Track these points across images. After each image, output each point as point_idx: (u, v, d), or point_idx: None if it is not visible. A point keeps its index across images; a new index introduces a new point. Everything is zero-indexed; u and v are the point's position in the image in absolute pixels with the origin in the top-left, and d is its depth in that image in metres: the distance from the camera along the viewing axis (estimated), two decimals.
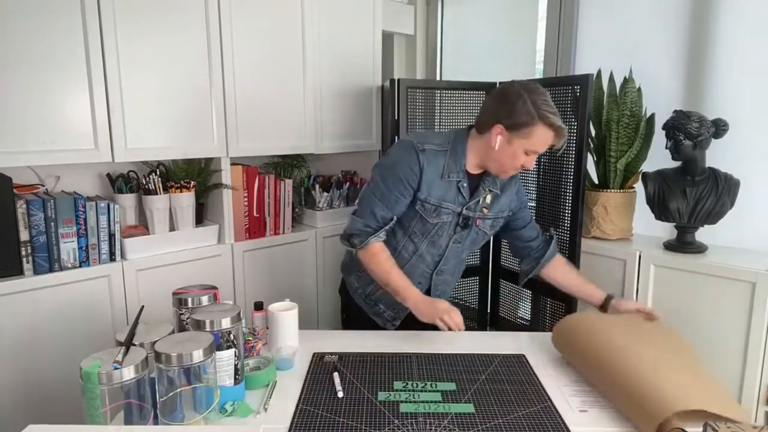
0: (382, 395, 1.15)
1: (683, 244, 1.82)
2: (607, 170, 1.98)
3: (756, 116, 1.88)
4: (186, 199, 1.97)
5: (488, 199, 1.47)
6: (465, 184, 1.43)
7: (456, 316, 1.34)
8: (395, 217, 1.43)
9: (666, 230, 2.00)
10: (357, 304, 1.61)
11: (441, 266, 1.52)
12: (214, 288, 1.25)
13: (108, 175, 1.96)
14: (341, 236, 1.49)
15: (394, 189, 1.40)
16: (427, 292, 1.53)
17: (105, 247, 1.79)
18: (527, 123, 1.32)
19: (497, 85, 2.22)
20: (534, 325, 2.24)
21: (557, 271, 1.62)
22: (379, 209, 1.41)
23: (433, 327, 1.40)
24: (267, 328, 1.39)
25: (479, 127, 1.41)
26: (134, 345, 1.01)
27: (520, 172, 1.50)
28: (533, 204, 2.17)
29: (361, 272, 1.56)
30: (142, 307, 1.15)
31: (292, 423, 1.05)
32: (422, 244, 1.48)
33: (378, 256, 1.42)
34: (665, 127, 1.79)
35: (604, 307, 1.51)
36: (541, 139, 1.34)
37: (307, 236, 2.31)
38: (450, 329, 1.35)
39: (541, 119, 1.31)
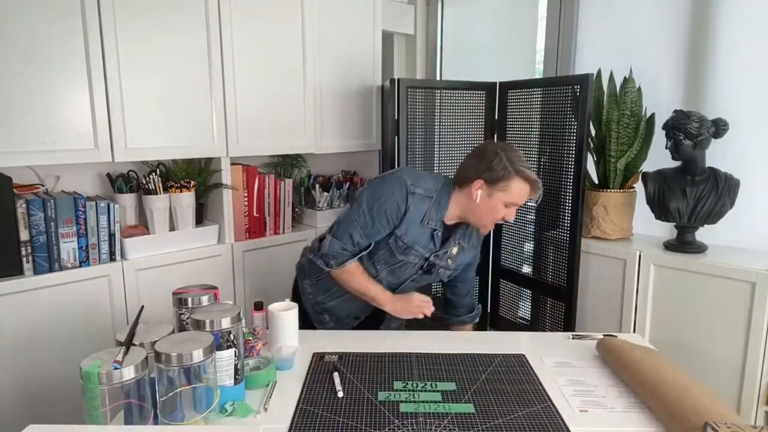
0: (382, 395, 1.16)
1: (683, 244, 1.82)
2: (607, 170, 1.98)
3: (756, 116, 1.88)
4: (186, 199, 1.97)
5: (455, 251, 1.54)
6: (439, 234, 1.49)
7: (429, 306, 1.50)
8: (371, 246, 1.48)
9: (666, 230, 2.00)
10: (304, 308, 1.62)
11: (396, 291, 1.57)
12: (214, 288, 1.25)
13: (108, 175, 1.96)
14: (312, 251, 1.53)
15: (377, 222, 1.44)
16: (375, 311, 1.60)
17: (105, 247, 1.79)
18: (504, 177, 1.41)
19: (497, 86, 2.23)
20: (534, 325, 2.24)
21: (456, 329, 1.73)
22: (358, 236, 1.45)
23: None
24: (267, 328, 1.39)
25: (460, 183, 1.48)
26: (134, 345, 1.01)
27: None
28: (533, 204, 2.17)
29: (317, 280, 1.60)
30: (142, 307, 1.15)
31: (292, 423, 1.05)
32: (383, 272, 1.53)
33: (355, 274, 1.49)
34: (665, 127, 1.79)
35: None
36: (518, 191, 1.42)
37: (307, 236, 2.31)
38: (426, 316, 1.50)
39: (517, 173, 1.41)
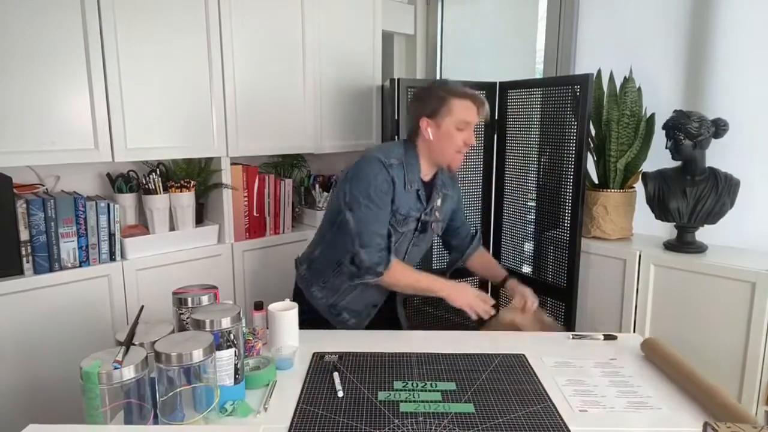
0: (382, 395, 1.15)
1: (683, 244, 1.82)
2: (607, 170, 1.98)
3: (756, 116, 1.88)
4: (186, 199, 1.97)
5: (439, 202, 1.59)
6: (422, 192, 1.54)
7: (485, 305, 1.49)
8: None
9: (666, 230, 2.00)
10: (314, 309, 1.62)
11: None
12: (214, 288, 1.25)
13: (108, 174, 1.96)
14: (355, 275, 1.50)
15: (384, 205, 1.46)
16: (389, 297, 1.65)
17: (105, 246, 1.79)
18: (442, 103, 1.47)
19: (497, 86, 2.23)
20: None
21: (476, 260, 1.82)
22: (381, 228, 1.47)
23: (425, 326, 1.45)
24: (267, 328, 1.39)
25: (413, 136, 1.54)
26: (134, 345, 1.01)
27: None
28: (533, 204, 2.17)
29: (324, 283, 1.59)
30: (142, 307, 1.15)
31: (292, 423, 1.05)
32: None
33: (404, 271, 1.51)
34: (665, 127, 1.79)
35: (503, 284, 1.74)
36: (461, 109, 1.47)
37: (308, 236, 2.31)
38: (480, 317, 1.48)
39: (453, 95, 1.47)
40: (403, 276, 1.51)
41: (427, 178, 1.56)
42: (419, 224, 1.55)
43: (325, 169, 2.63)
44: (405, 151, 1.53)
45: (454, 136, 1.48)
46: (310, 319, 1.59)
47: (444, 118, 1.48)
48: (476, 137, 2.22)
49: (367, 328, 1.63)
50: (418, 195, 1.52)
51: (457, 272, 1.91)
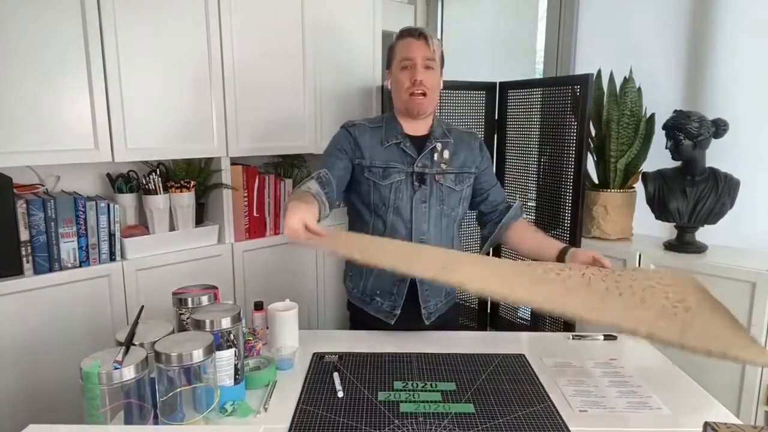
0: (382, 395, 1.15)
1: (683, 244, 1.82)
2: (607, 170, 1.98)
3: (756, 116, 1.88)
4: (186, 199, 1.97)
5: (445, 154, 1.50)
6: (408, 144, 1.49)
7: (302, 235, 1.15)
8: (329, 173, 1.43)
9: (666, 230, 2.00)
10: (358, 307, 1.59)
11: (418, 236, 1.47)
12: (214, 288, 1.25)
13: (108, 174, 1.96)
14: None
15: (327, 156, 1.49)
16: None
17: (105, 246, 1.79)
18: (391, 50, 1.50)
19: (497, 86, 2.23)
20: (534, 325, 2.24)
21: (516, 234, 1.56)
22: (319, 168, 1.45)
23: (437, 327, 1.45)
24: (267, 328, 1.39)
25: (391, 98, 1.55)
26: (134, 345, 1.01)
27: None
28: (533, 204, 2.17)
29: (351, 272, 1.58)
30: (142, 307, 1.15)
31: (292, 423, 1.05)
32: (388, 216, 1.48)
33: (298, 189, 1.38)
34: (665, 127, 1.79)
35: (561, 257, 1.42)
36: (401, 48, 1.45)
37: None
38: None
39: (396, 39, 1.48)
40: (294, 192, 1.38)
41: (415, 132, 1.51)
42: (414, 176, 1.47)
43: None
44: (385, 116, 1.55)
45: (400, 77, 1.45)
46: (357, 320, 1.60)
47: (392, 64, 1.48)
48: (476, 130, 2.17)
49: (401, 317, 1.52)
50: (401, 148, 1.48)
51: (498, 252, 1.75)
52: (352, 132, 1.49)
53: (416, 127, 1.51)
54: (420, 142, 1.50)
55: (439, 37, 3.01)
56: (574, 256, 1.39)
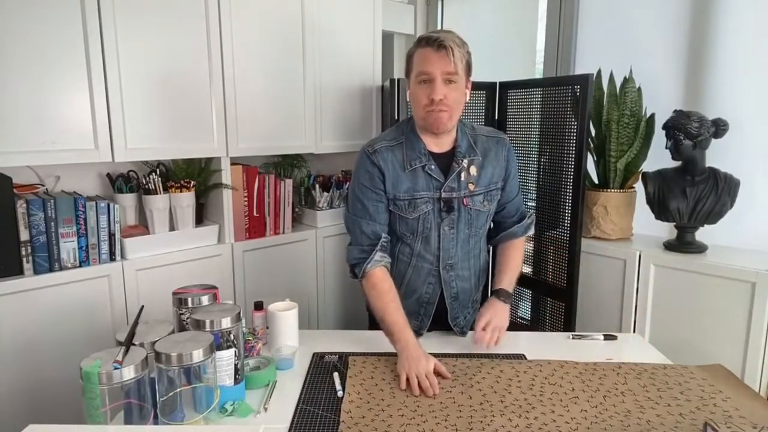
0: None
1: (683, 244, 1.82)
2: (607, 170, 1.98)
3: (756, 116, 1.88)
4: (186, 199, 1.97)
5: (473, 171, 1.38)
6: (433, 167, 1.36)
7: (426, 381, 1.16)
8: (385, 228, 1.38)
9: (666, 230, 2.00)
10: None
11: (446, 261, 1.42)
12: (214, 288, 1.25)
13: (108, 175, 1.96)
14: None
15: (366, 199, 1.36)
16: (441, 291, 1.45)
17: (105, 246, 1.79)
18: (408, 59, 1.34)
19: (497, 86, 2.23)
20: (534, 325, 2.24)
21: (501, 247, 1.53)
22: (366, 225, 1.36)
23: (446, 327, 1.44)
24: (267, 328, 1.39)
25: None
26: (134, 345, 1.01)
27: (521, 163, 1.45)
28: (533, 204, 2.17)
29: None
30: (142, 307, 1.15)
31: (292, 423, 1.05)
32: (416, 244, 1.41)
33: (378, 287, 1.34)
34: (665, 127, 1.79)
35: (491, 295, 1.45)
36: (419, 60, 1.29)
37: (308, 236, 2.31)
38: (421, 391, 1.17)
39: (414, 46, 1.31)
40: (374, 295, 1.33)
41: (440, 148, 1.38)
42: (441, 203, 1.36)
43: (325, 169, 2.63)
44: (405, 129, 1.39)
45: (418, 93, 1.30)
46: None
47: (410, 75, 1.33)
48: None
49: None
50: (426, 172, 1.35)
51: None
52: (376, 161, 1.35)
53: (440, 143, 1.38)
54: (445, 162, 1.37)
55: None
56: (483, 307, 1.42)
